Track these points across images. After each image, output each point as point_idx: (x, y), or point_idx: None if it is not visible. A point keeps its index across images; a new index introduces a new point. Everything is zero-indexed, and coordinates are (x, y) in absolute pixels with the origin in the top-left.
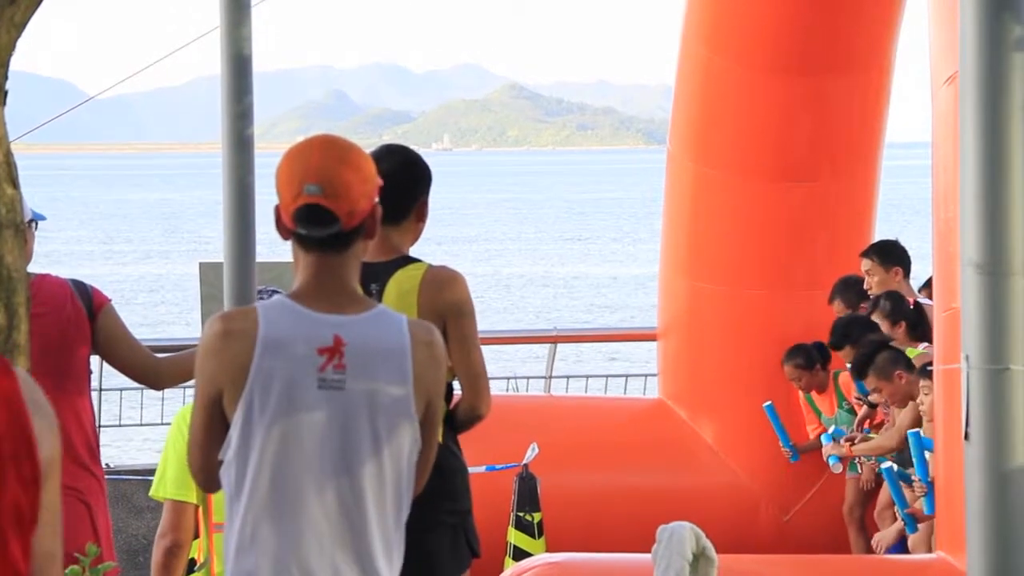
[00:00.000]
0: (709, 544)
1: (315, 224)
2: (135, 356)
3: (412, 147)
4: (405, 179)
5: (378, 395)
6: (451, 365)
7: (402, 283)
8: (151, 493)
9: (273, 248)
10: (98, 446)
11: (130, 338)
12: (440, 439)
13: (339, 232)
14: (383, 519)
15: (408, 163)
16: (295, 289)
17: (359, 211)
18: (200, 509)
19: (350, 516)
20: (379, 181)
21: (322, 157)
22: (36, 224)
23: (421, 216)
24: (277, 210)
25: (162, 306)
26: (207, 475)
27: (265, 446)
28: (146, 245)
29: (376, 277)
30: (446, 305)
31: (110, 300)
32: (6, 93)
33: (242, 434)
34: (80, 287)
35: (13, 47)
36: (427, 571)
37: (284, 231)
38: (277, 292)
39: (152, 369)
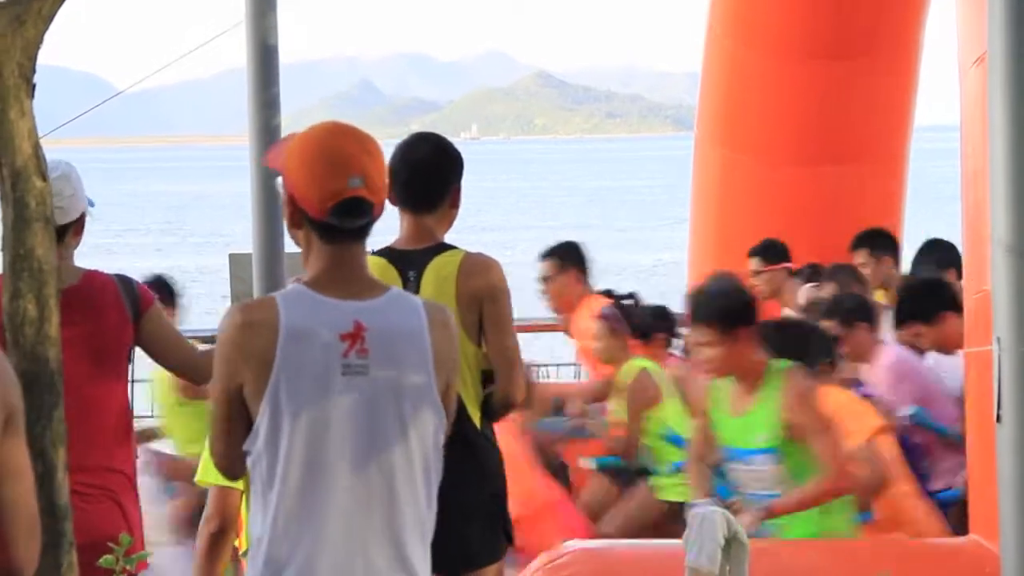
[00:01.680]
0: (741, 528)
1: (355, 216)
2: (177, 355)
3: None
4: (440, 166)
5: (401, 378)
6: (486, 352)
7: (439, 270)
8: (196, 479)
9: None
10: (129, 436)
11: (173, 337)
12: (477, 425)
13: (368, 221)
14: (415, 501)
15: (441, 150)
16: (311, 277)
17: (384, 200)
18: (245, 495)
19: (381, 500)
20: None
21: (357, 148)
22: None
23: (455, 203)
24: (294, 201)
25: (188, 297)
26: (231, 464)
27: (294, 436)
28: (171, 237)
29: (412, 264)
30: (483, 291)
31: (156, 299)
32: (34, 87)
33: (270, 425)
34: (127, 287)
35: (41, 40)
36: (464, 556)
37: (300, 221)
38: None
39: (191, 366)
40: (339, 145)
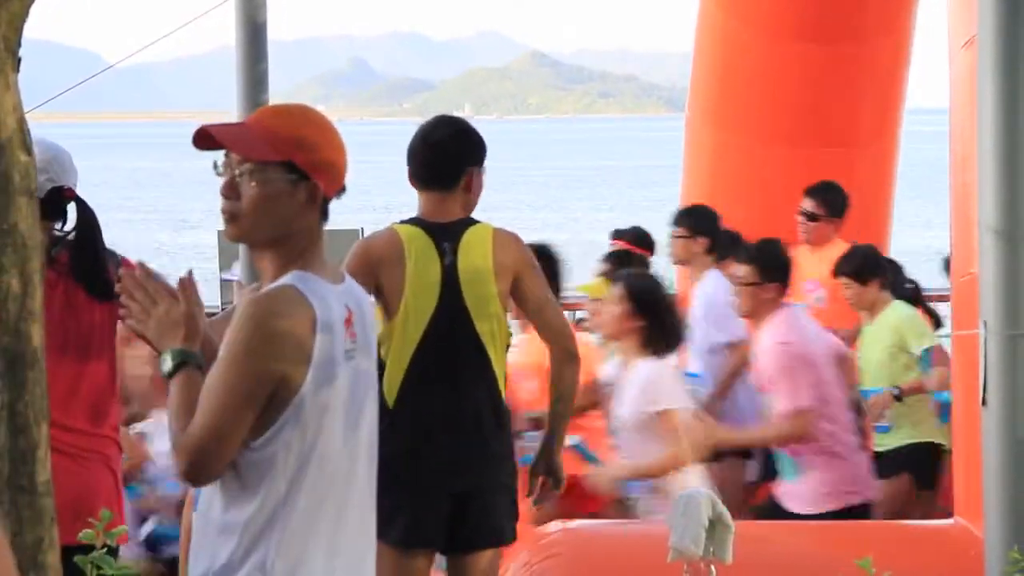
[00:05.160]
0: (725, 510)
1: (343, 193)
2: None
3: (433, 115)
4: (454, 148)
5: (370, 359)
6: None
7: (474, 241)
8: None
9: None
10: (117, 404)
11: None
12: (504, 400)
13: None
14: (374, 478)
15: (459, 133)
16: (307, 263)
17: None
18: None
19: (358, 481)
20: None
21: None
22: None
23: (469, 187)
24: (316, 181)
25: (178, 273)
26: (222, 465)
27: (319, 427)
28: (162, 214)
29: (446, 236)
30: (518, 263)
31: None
32: (19, 60)
33: (297, 419)
34: (114, 261)
35: (27, 13)
36: (494, 531)
37: (314, 206)
38: None
39: None
40: (334, 127)
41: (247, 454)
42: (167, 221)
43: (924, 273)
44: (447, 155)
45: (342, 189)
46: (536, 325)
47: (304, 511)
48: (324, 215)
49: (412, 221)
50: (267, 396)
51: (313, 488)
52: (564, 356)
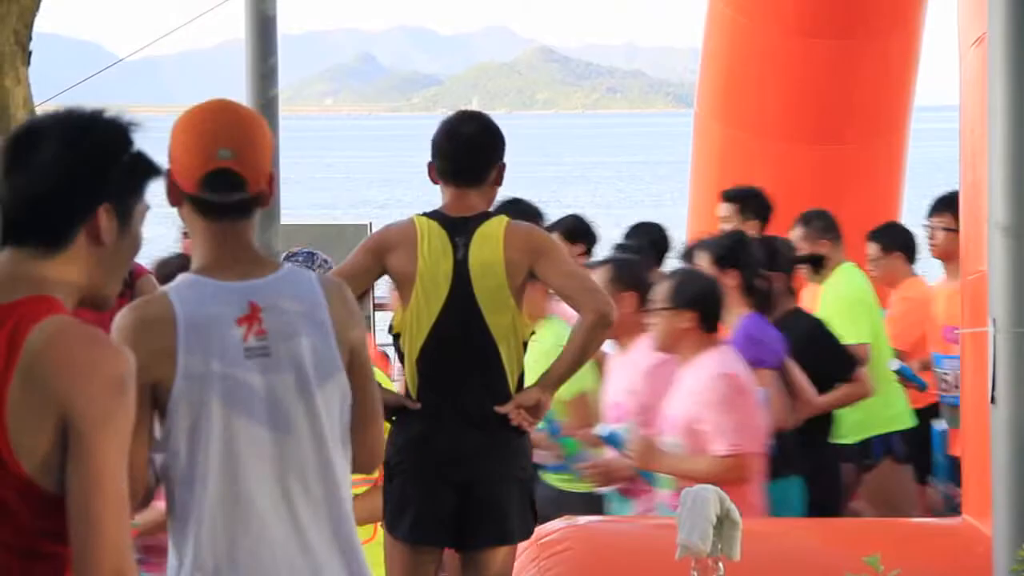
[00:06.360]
0: (733, 507)
1: (225, 189)
2: None
3: (441, 110)
4: (486, 143)
5: (302, 352)
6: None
7: (486, 235)
8: None
9: (294, 210)
10: None
11: None
12: (514, 396)
13: (245, 197)
14: (332, 477)
15: (488, 128)
16: (200, 262)
17: (264, 176)
18: None
19: (301, 481)
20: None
21: (232, 122)
22: None
23: (498, 180)
24: (170, 175)
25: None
26: (137, 478)
27: (209, 430)
28: (160, 208)
29: (461, 231)
30: (530, 247)
31: (149, 271)
32: (30, 54)
33: (177, 424)
34: None
35: (37, 7)
36: (500, 531)
37: (179, 197)
38: (313, 254)
39: None
40: (213, 119)
41: (157, 461)
42: (166, 217)
43: (934, 268)
44: (479, 150)
45: (213, 184)
46: (569, 304)
47: (218, 517)
48: (208, 211)
49: (431, 214)
50: (150, 404)
51: (223, 494)
52: (596, 318)
